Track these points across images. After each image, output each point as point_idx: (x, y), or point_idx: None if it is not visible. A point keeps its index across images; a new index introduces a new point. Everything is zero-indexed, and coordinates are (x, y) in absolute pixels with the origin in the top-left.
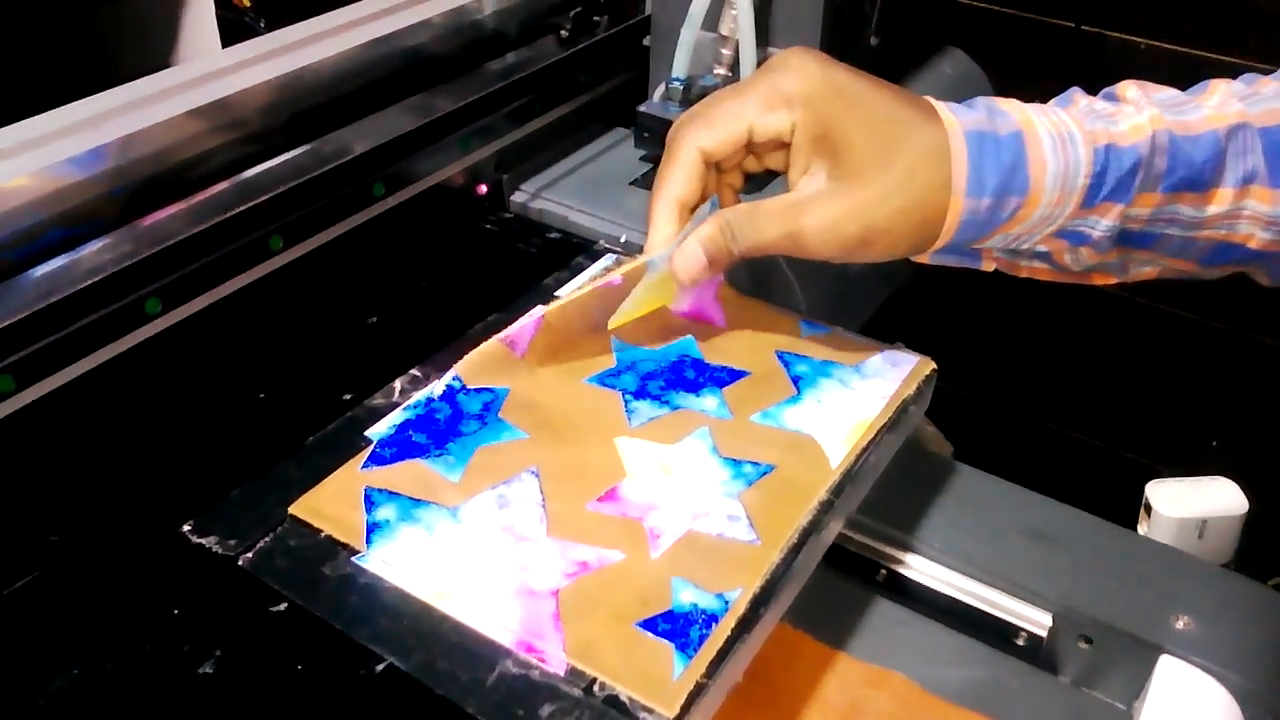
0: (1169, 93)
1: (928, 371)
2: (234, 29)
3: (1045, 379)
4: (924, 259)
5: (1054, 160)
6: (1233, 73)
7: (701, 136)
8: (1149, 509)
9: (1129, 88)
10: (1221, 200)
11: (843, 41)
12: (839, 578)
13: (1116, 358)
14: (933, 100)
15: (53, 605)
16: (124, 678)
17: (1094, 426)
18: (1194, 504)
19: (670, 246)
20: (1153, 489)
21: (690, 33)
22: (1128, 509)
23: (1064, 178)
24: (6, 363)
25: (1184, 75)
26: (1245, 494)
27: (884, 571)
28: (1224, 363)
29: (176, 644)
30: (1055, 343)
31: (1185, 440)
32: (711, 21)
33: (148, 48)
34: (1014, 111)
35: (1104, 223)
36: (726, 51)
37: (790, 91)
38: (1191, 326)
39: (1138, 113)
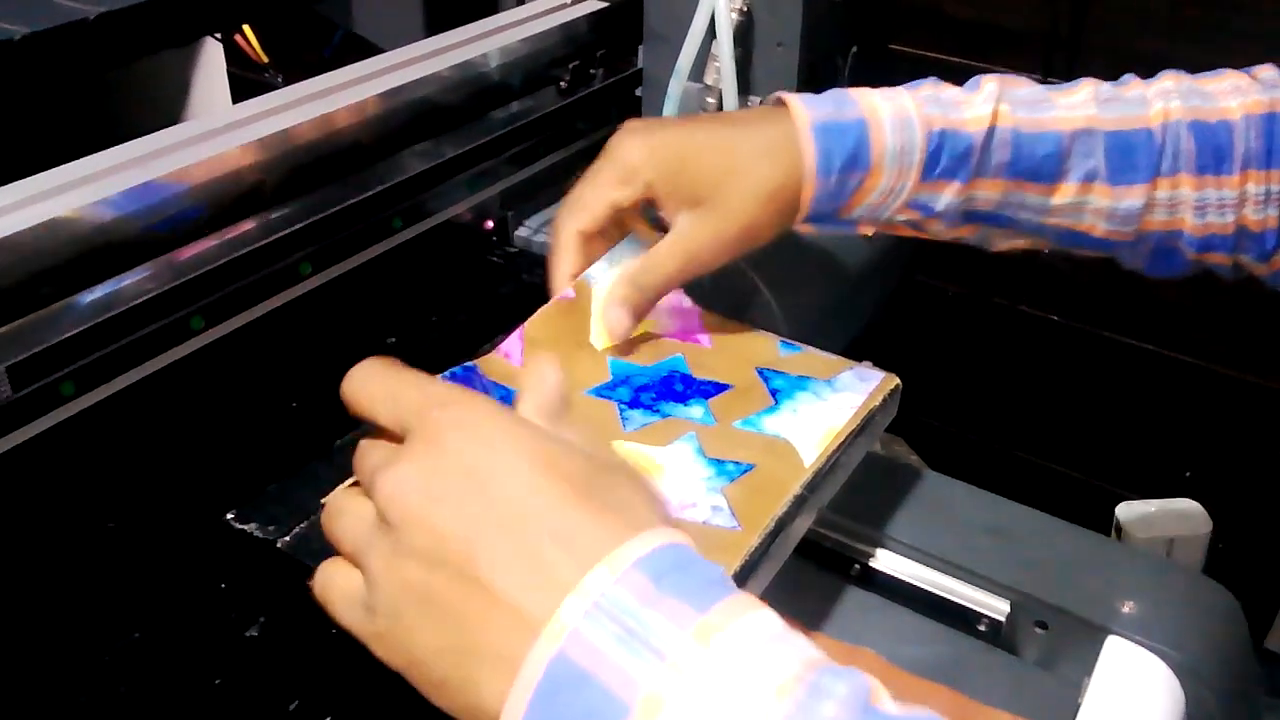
0: (1032, 90)
1: (892, 386)
2: (253, 85)
3: (1020, 410)
4: (807, 229)
5: (893, 140)
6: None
7: (578, 219)
8: (1120, 530)
9: (990, 81)
10: (1065, 193)
11: (817, 91)
12: (817, 571)
13: (1090, 390)
14: (788, 98)
15: (113, 581)
16: (178, 639)
17: (1067, 457)
18: (1162, 524)
19: (600, 264)
20: (1123, 510)
21: (678, 84)
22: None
23: (901, 155)
24: (68, 370)
25: None
26: (1210, 515)
27: (858, 566)
28: (1196, 395)
29: (225, 612)
30: (1030, 375)
31: (1156, 468)
32: (698, 73)
33: (164, 106)
34: (860, 99)
35: (944, 198)
36: (711, 100)
37: (633, 163)
38: (1169, 361)
39: (984, 105)
